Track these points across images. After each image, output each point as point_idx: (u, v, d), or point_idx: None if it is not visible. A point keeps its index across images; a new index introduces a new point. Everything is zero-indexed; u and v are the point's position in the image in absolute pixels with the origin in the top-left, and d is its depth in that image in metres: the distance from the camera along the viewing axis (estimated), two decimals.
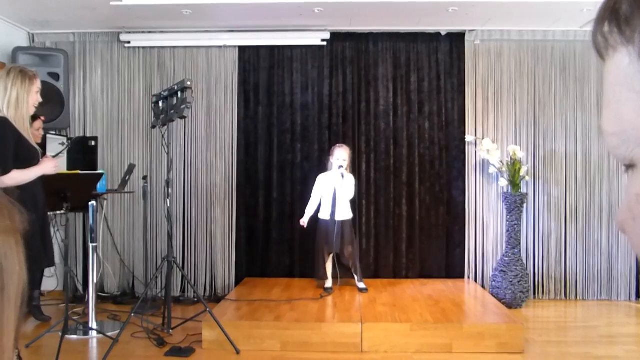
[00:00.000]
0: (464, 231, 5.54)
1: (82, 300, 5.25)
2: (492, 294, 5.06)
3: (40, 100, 3.24)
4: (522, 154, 5.28)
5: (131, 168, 4.92)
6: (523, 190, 5.35)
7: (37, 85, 3.18)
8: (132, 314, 3.91)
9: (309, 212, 5.02)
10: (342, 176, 4.89)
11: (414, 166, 5.59)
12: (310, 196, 5.07)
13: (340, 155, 4.94)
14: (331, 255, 5.02)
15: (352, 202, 5.10)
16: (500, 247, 5.47)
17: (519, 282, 5.09)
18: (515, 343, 3.86)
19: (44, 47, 5.55)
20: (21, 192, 2.88)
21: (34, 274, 3.93)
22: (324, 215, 5.02)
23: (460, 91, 5.58)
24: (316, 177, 5.12)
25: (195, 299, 5.22)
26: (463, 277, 5.52)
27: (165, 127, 4.13)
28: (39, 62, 5.15)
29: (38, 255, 2.99)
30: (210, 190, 5.57)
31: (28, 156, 3.10)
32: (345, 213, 5.00)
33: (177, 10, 4.96)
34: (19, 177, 2.98)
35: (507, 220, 5.28)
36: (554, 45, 5.52)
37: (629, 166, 0.48)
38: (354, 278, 5.06)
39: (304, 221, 5.00)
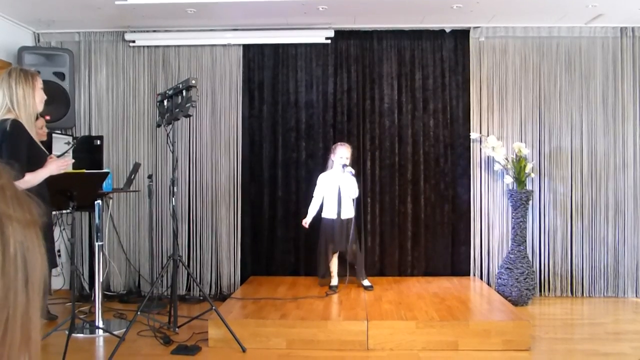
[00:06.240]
0: (469, 228, 5.53)
1: (88, 298, 5.28)
2: (497, 292, 5.06)
3: (45, 97, 3.27)
4: (527, 151, 5.26)
5: (136, 167, 4.94)
6: (528, 187, 5.34)
7: (40, 82, 3.21)
8: (138, 313, 3.92)
9: (312, 212, 5.01)
10: (352, 174, 4.86)
11: (419, 164, 5.58)
12: (313, 196, 5.07)
13: (344, 154, 4.93)
14: (336, 254, 5.02)
15: (357, 200, 5.09)
16: (505, 244, 5.46)
17: (524, 279, 5.08)
18: (522, 340, 3.85)
19: (49, 47, 5.57)
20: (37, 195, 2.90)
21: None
22: (328, 214, 5.01)
23: (465, 88, 5.56)
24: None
25: (201, 297, 5.24)
26: (468, 275, 5.51)
27: (170, 125, 4.14)
28: (44, 62, 5.17)
29: (50, 255, 3.01)
30: (215, 189, 5.57)
31: (38, 158, 3.11)
32: (348, 211, 4.99)
33: (181, 9, 4.96)
34: (31, 180, 3.00)
35: (512, 218, 5.27)
36: (559, 41, 5.49)
37: None
38: (357, 276, 5.04)
39: (307, 222, 5.01)
